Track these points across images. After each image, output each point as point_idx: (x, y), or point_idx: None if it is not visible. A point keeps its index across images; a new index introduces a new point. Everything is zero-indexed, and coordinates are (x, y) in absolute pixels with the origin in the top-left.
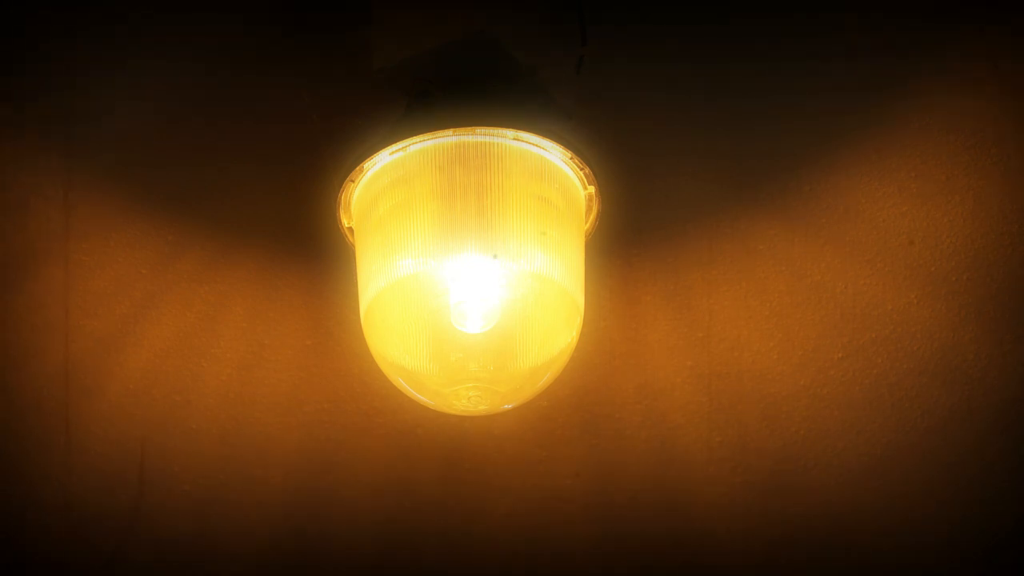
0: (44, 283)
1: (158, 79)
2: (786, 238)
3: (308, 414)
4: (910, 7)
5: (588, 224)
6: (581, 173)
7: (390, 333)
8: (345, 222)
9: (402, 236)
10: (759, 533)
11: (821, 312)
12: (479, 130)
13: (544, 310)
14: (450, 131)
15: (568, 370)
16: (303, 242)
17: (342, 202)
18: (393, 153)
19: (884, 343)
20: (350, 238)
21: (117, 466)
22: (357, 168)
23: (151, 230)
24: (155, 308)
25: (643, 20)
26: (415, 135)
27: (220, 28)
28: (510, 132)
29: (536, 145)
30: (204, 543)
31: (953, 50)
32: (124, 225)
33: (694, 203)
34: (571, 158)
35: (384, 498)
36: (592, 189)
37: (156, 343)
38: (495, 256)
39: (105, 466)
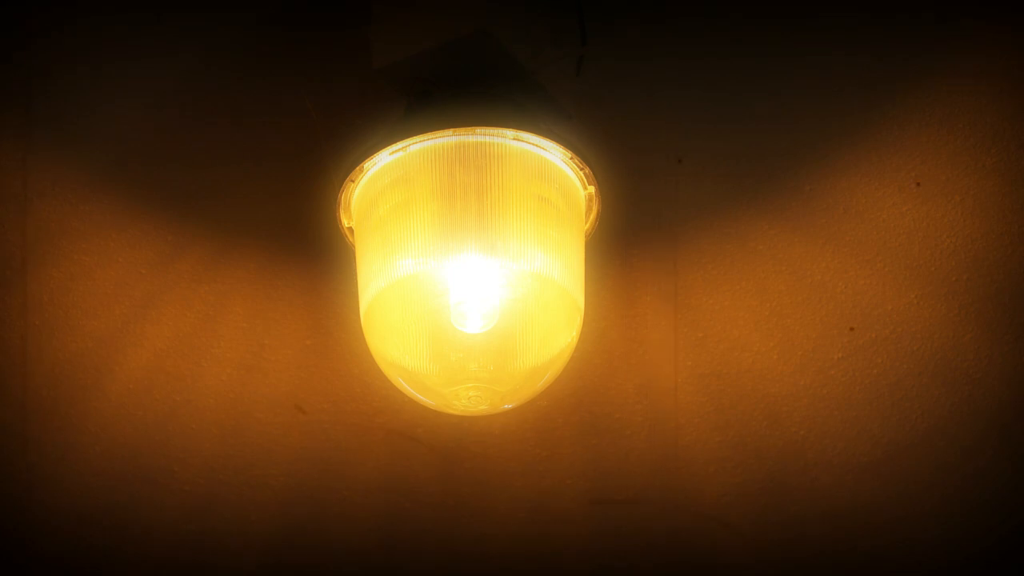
0: (43, 283)
1: (158, 79)
2: (786, 238)
3: (308, 414)
4: (910, 7)
5: (588, 224)
6: (581, 173)
7: (390, 333)
8: (345, 222)
9: (402, 236)
10: (759, 533)
11: (821, 312)
12: (479, 130)
13: (544, 310)
14: (450, 131)
15: (568, 370)
16: (303, 242)
17: (342, 202)
18: (393, 153)
19: (884, 343)
20: (350, 238)
21: (117, 466)
22: (357, 168)
23: (151, 230)
24: (155, 308)
25: (643, 20)
26: (415, 135)
27: (220, 28)
28: (510, 132)
29: (536, 145)
30: (204, 543)
31: (953, 50)
32: (124, 225)
33: (694, 203)
34: (571, 158)
35: (384, 498)
36: (592, 189)
37: (156, 343)
38: None
39: (105, 466)
